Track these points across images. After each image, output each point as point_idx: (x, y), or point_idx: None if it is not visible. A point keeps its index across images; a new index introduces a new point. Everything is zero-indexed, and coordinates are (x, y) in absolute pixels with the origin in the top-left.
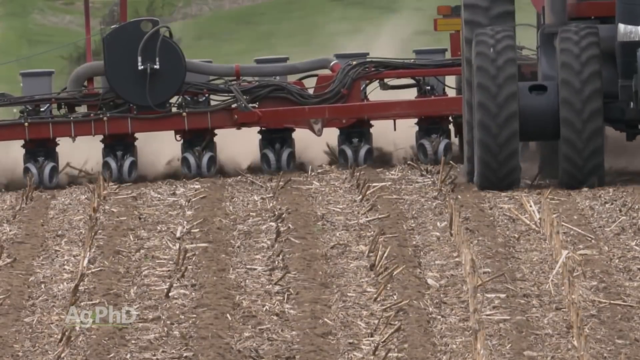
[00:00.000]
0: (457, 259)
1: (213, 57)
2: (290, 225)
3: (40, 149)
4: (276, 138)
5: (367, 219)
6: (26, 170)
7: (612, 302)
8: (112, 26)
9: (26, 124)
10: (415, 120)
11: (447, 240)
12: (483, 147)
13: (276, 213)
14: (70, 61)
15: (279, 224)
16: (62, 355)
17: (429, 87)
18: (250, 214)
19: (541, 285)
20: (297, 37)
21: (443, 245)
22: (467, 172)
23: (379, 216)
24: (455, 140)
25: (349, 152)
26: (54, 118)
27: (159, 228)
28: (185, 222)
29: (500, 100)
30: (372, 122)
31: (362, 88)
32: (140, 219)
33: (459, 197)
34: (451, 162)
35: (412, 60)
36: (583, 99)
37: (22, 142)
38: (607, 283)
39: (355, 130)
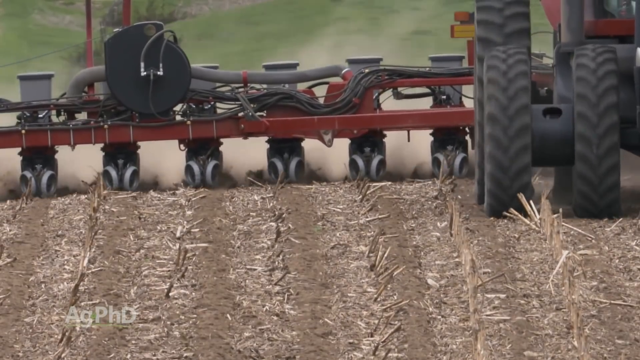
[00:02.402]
0: (457, 259)
1: (213, 57)
2: (290, 225)
3: (38, 157)
4: (284, 146)
5: (367, 219)
6: (23, 178)
7: (612, 302)
8: (115, 29)
9: (23, 131)
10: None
11: (447, 241)
12: (493, 161)
13: (276, 213)
14: (71, 61)
15: (279, 224)
16: (62, 355)
17: (444, 97)
18: (251, 214)
19: (541, 285)
20: (297, 37)
21: (443, 245)
22: (477, 195)
23: (379, 216)
24: (472, 152)
25: (360, 162)
26: (53, 125)
27: (159, 228)
28: (185, 222)
29: (511, 112)
30: (385, 132)
31: (374, 97)
32: (140, 218)
33: (459, 197)
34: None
35: (428, 69)
36: (599, 134)
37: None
38: (607, 283)
39: (368, 140)
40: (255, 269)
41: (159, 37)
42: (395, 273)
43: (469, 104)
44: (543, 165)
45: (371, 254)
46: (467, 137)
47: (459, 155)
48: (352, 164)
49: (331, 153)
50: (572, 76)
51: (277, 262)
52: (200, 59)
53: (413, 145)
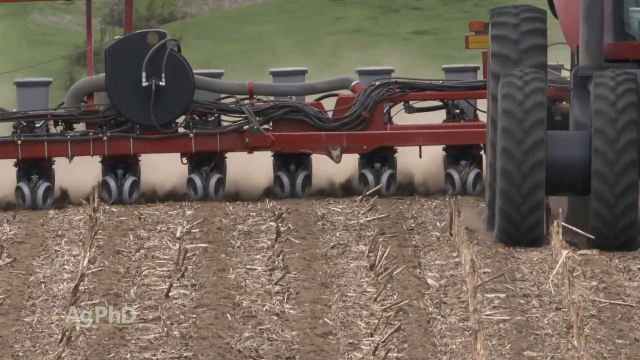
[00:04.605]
0: (457, 259)
1: (213, 57)
2: (290, 225)
3: (34, 169)
4: (291, 160)
5: (367, 219)
6: (18, 189)
7: (612, 302)
8: (116, 37)
9: (19, 141)
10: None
11: (447, 240)
12: (504, 197)
13: (276, 213)
14: (70, 61)
15: (279, 224)
16: (62, 355)
17: (458, 111)
18: (250, 214)
19: (541, 285)
20: (297, 37)
21: (443, 245)
22: (487, 219)
23: (379, 216)
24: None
25: (370, 177)
26: (50, 136)
27: (159, 228)
28: (185, 222)
29: (525, 147)
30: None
31: (385, 110)
32: (140, 219)
33: (459, 196)
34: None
35: (441, 81)
36: (617, 172)
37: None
38: (607, 283)
39: (378, 155)
40: (255, 269)
41: (161, 46)
42: (395, 273)
43: (483, 118)
44: (556, 194)
45: (371, 254)
46: (482, 152)
47: (473, 170)
48: (362, 178)
49: (338, 166)
50: (589, 102)
51: (277, 262)
52: (200, 59)
53: (424, 160)
